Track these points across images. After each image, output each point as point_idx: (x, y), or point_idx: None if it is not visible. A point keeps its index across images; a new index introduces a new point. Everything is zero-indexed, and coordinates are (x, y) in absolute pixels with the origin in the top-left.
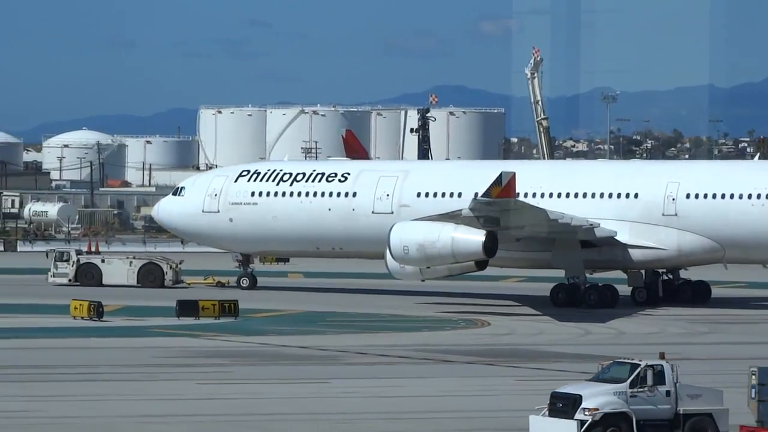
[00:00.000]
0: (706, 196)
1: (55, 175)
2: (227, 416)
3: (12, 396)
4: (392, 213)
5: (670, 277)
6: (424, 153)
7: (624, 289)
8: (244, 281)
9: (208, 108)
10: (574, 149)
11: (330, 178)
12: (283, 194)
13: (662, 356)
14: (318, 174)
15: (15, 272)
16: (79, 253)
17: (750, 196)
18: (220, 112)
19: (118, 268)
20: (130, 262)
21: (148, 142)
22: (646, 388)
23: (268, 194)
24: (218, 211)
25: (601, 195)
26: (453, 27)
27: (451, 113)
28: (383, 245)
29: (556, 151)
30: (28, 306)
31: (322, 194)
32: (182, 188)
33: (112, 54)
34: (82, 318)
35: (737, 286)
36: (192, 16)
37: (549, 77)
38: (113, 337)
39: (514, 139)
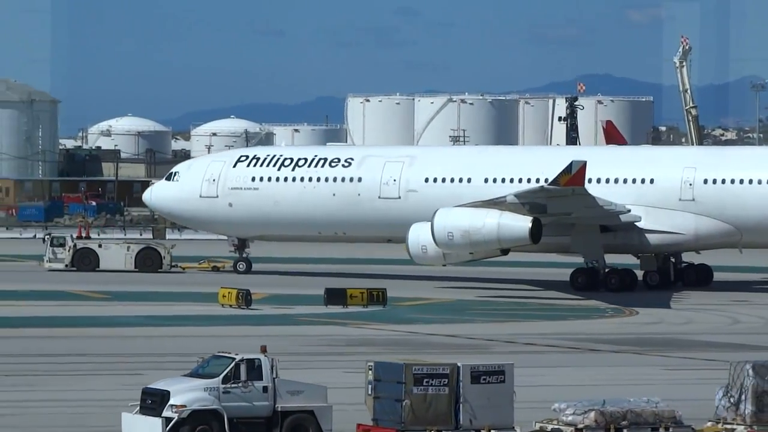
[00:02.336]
0: (723, 181)
1: None
2: None
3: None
4: (399, 198)
5: (673, 260)
6: (572, 141)
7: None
8: (241, 265)
9: (355, 96)
10: (723, 138)
11: (333, 164)
12: (285, 179)
13: (263, 350)
14: (320, 159)
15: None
16: (74, 238)
17: None
18: (368, 101)
19: (116, 253)
20: (128, 247)
21: (296, 130)
22: (240, 384)
23: (269, 179)
24: (217, 196)
25: (616, 180)
26: (600, 15)
27: (599, 102)
28: (389, 230)
29: (705, 140)
30: (176, 294)
31: (326, 179)
32: (176, 173)
33: (261, 42)
34: (230, 306)
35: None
36: (340, 4)
37: (698, 66)
38: (261, 325)
39: (663, 128)
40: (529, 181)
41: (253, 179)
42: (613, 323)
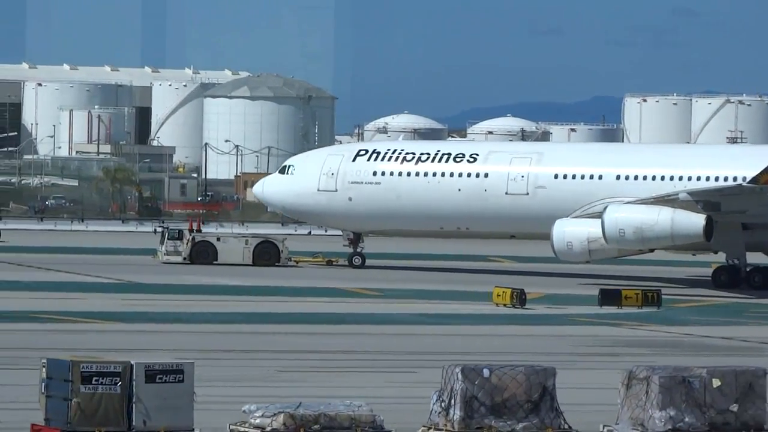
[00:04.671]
0: None
1: None
2: None
3: (427, 382)
4: (527, 194)
5: None
6: None
7: None
8: (357, 260)
9: (632, 96)
10: None
11: (458, 159)
12: (408, 174)
13: None
14: (444, 154)
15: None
16: (191, 231)
17: None
18: (645, 101)
19: (234, 247)
20: (246, 241)
21: (573, 129)
22: None
23: (391, 174)
24: (336, 190)
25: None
26: None
27: None
28: (515, 225)
29: None
30: (448, 292)
31: (451, 174)
32: (291, 166)
33: (537, 41)
34: (504, 305)
35: None
36: (616, 4)
37: None
38: (535, 325)
39: None
40: (663, 179)
41: (375, 173)
42: None
